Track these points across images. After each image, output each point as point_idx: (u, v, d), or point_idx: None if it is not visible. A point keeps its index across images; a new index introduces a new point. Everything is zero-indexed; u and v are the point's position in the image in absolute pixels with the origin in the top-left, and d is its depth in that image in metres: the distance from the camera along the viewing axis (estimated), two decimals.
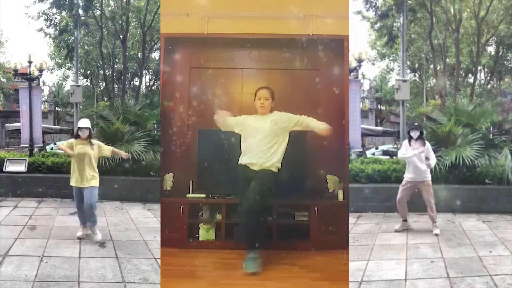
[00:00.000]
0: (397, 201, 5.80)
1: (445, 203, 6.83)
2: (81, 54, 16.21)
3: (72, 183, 5.19)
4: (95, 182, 5.18)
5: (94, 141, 5.32)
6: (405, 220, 5.84)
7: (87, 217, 5.21)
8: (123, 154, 5.53)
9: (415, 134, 5.67)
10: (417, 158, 5.60)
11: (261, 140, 4.27)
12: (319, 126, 4.33)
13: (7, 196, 7.70)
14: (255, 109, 4.49)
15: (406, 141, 5.83)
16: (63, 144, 5.31)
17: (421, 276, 4.09)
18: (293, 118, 4.36)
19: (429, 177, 5.68)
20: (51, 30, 14.91)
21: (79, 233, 5.21)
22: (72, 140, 5.30)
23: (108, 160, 7.75)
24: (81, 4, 12.24)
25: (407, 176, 5.73)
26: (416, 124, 6.11)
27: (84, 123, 5.28)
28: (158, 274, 4.07)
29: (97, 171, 5.25)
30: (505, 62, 17.79)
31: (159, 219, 5.06)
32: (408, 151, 5.66)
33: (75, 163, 5.17)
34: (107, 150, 5.42)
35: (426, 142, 5.77)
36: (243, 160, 4.34)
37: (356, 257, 4.64)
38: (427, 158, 5.59)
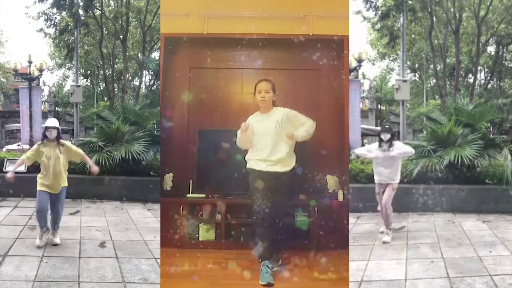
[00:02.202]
0: (379, 210, 5.68)
1: (445, 203, 6.84)
2: (81, 54, 16.24)
3: (41, 188, 4.85)
4: (65, 183, 4.97)
5: (64, 142, 5.02)
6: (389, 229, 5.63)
7: (54, 220, 4.99)
8: (94, 167, 5.09)
9: (385, 136, 5.51)
10: (386, 161, 5.49)
11: (272, 143, 4.08)
12: (310, 132, 4.23)
13: (7, 196, 7.70)
14: (255, 109, 4.43)
15: (376, 143, 5.71)
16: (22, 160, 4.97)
17: (421, 276, 4.09)
18: (299, 120, 4.19)
19: (396, 180, 5.51)
20: (51, 30, 14.98)
21: (39, 242, 4.80)
22: (36, 145, 4.97)
23: (108, 160, 7.75)
24: (81, 4, 12.26)
25: (376, 179, 5.65)
26: (387, 126, 5.96)
27: (52, 122, 4.97)
28: (158, 274, 4.07)
29: (66, 173, 5.02)
30: (504, 62, 17.80)
31: (159, 219, 5.05)
32: (373, 152, 5.60)
33: (44, 166, 4.86)
34: (77, 154, 5.05)
35: (397, 142, 5.66)
36: (256, 166, 4.14)
37: (356, 257, 4.64)
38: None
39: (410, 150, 5.61)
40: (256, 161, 4.15)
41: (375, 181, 5.68)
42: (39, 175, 4.95)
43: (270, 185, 4.04)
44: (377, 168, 5.63)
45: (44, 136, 4.91)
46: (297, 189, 4.79)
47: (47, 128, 4.89)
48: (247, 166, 4.22)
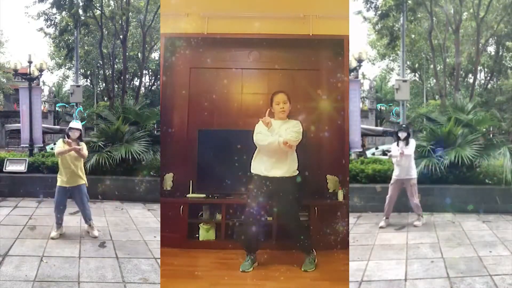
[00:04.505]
0: (387, 198, 6.07)
1: (445, 203, 6.84)
2: (81, 54, 16.22)
3: (61, 183, 5.25)
4: (84, 181, 5.38)
5: (82, 143, 5.37)
6: (387, 218, 6.07)
7: (85, 215, 5.40)
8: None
9: (402, 135, 6.08)
10: (403, 158, 5.93)
11: (285, 150, 4.11)
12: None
13: (7, 196, 7.70)
14: (255, 109, 4.46)
15: (395, 143, 6.18)
16: (62, 145, 5.21)
17: (421, 276, 4.09)
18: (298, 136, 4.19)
19: (414, 175, 6.03)
20: (51, 30, 14.95)
21: (54, 233, 5.23)
22: (61, 140, 5.33)
23: (108, 160, 7.75)
24: (81, 4, 12.24)
25: (394, 174, 6.09)
26: (404, 126, 6.50)
27: (75, 124, 5.41)
28: (158, 274, 4.07)
29: (83, 171, 5.40)
30: (504, 62, 17.78)
31: (159, 219, 5.06)
32: (394, 151, 6.03)
33: (63, 163, 5.21)
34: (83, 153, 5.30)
35: (412, 140, 6.16)
36: (266, 171, 4.16)
37: (356, 257, 4.65)
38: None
39: (409, 151, 6.03)
40: (265, 166, 4.18)
41: (393, 176, 6.09)
42: (58, 172, 5.33)
43: (276, 190, 4.13)
44: (396, 164, 6.04)
45: (67, 136, 5.28)
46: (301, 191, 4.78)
47: (70, 128, 5.31)
48: (252, 170, 4.25)
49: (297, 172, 4.22)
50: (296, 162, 4.23)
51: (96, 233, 5.32)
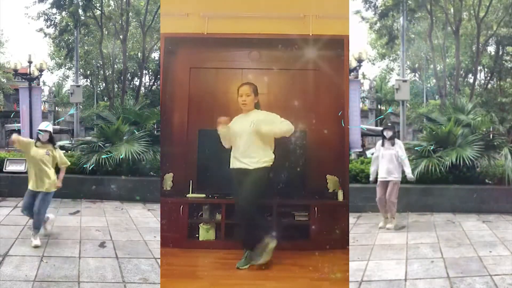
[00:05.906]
0: (377, 201, 6.00)
1: (445, 203, 6.84)
2: (81, 54, 16.23)
3: (29, 185, 4.96)
4: (48, 188, 4.93)
5: (57, 149, 5.13)
6: (386, 218, 6.00)
7: (34, 222, 4.88)
8: (58, 183, 5.06)
9: (387, 134, 5.96)
10: (387, 157, 5.86)
11: (246, 141, 4.21)
12: (284, 130, 4.19)
13: (7, 196, 7.69)
14: None
15: (380, 142, 6.11)
16: (16, 137, 4.94)
17: (421, 276, 4.09)
18: (275, 122, 4.22)
19: (398, 177, 5.86)
20: (51, 30, 14.97)
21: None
22: (32, 140, 5.07)
23: (108, 160, 7.75)
24: (81, 4, 12.25)
25: (379, 175, 5.95)
26: (390, 124, 6.40)
27: (43, 125, 5.09)
28: (158, 274, 4.07)
29: (52, 177, 4.96)
30: (504, 63, 17.76)
31: (159, 219, 5.06)
32: (379, 151, 5.97)
33: (30, 165, 4.99)
34: (61, 163, 5.14)
35: (398, 141, 6.05)
36: (234, 164, 4.31)
37: (356, 257, 4.64)
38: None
39: (405, 158, 5.91)
40: (233, 159, 4.32)
41: (378, 177, 5.97)
42: (28, 174, 5.08)
43: (242, 182, 4.17)
44: (380, 164, 5.95)
45: (38, 138, 5.01)
46: (274, 186, 4.71)
47: (40, 130, 5.01)
48: (230, 165, 4.36)
49: (265, 164, 4.18)
50: (267, 155, 4.21)
51: (37, 242, 4.73)
